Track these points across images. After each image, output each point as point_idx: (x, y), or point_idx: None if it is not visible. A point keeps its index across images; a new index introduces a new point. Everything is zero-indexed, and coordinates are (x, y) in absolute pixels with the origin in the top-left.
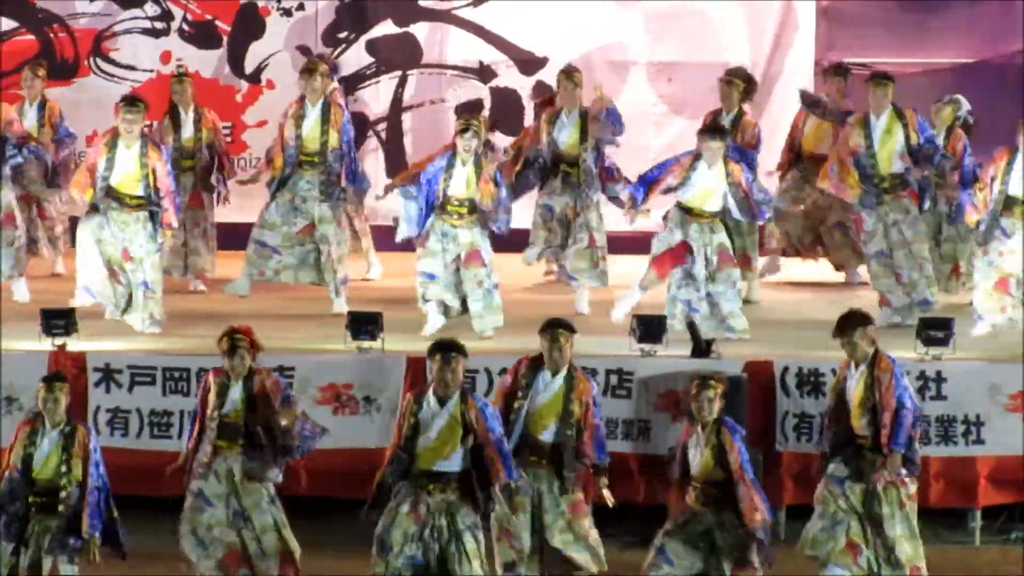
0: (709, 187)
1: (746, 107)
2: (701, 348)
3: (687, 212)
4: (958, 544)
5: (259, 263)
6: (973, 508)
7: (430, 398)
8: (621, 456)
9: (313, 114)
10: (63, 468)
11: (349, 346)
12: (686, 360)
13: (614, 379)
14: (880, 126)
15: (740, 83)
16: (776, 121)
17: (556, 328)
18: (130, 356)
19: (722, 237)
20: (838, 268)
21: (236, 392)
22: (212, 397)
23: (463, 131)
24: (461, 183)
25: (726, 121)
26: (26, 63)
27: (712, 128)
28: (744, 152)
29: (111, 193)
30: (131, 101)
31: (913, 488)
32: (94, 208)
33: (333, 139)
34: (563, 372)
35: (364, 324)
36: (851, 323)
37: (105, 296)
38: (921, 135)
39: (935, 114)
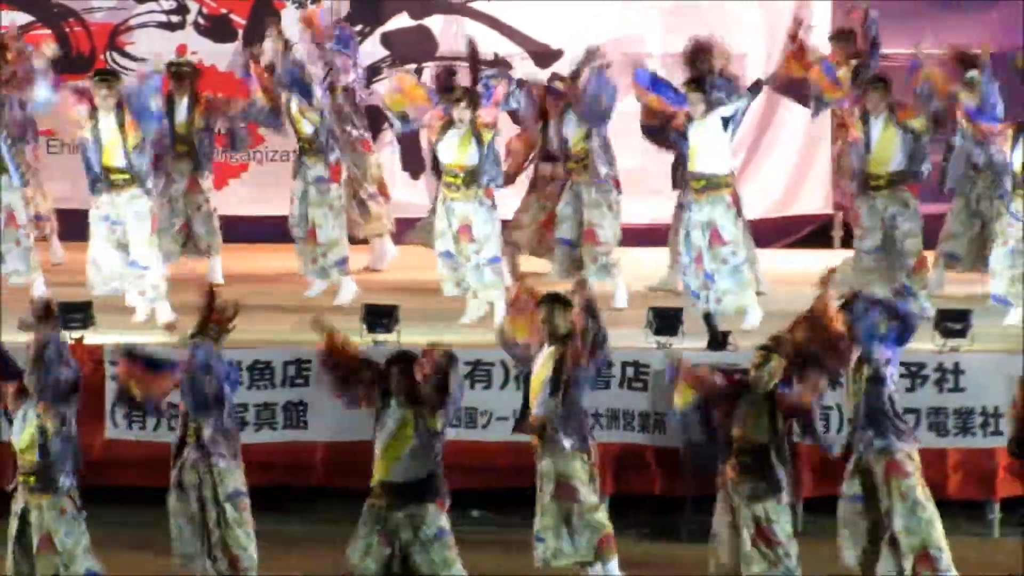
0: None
1: None
2: (717, 340)
3: None
4: (977, 536)
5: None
6: (992, 500)
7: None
8: (637, 448)
9: None
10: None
11: (365, 339)
12: (702, 352)
13: (630, 371)
14: (876, 128)
15: None
16: (792, 115)
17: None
18: (147, 349)
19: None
20: None
21: None
22: None
23: (459, 100)
24: (453, 148)
25: None
26: None
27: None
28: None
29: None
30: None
31: (910, 480)
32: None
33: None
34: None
35: (380, 317)
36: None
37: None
38: (924, 109)
39: None
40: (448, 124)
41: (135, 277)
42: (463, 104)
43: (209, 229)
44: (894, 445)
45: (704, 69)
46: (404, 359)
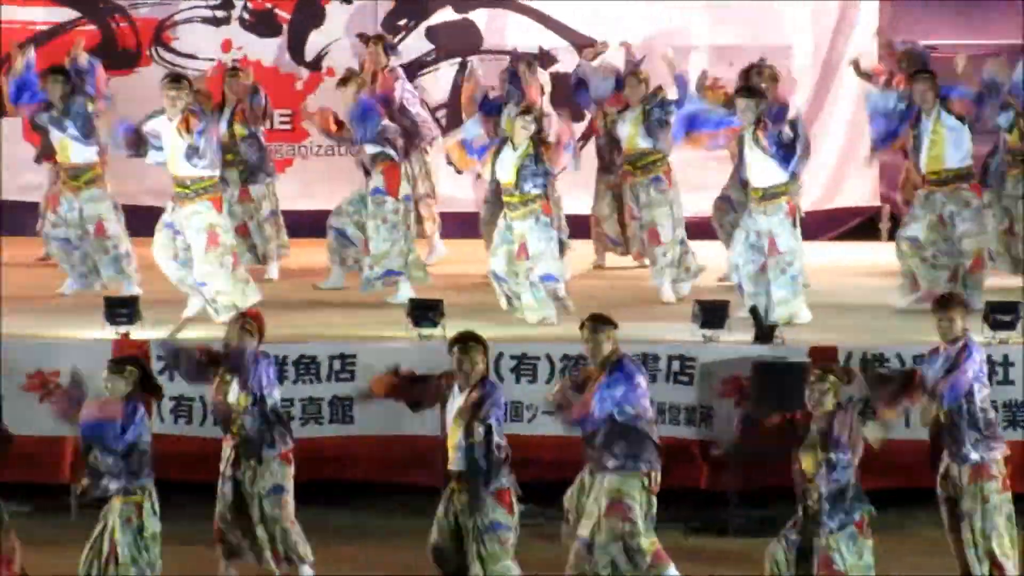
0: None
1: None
2: (764, 333)
3: None
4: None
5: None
6: None
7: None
8: (683, 442)
9: None
10: None
11: (411, 333)
12: (749, 346)
13: (676, 365)
14: (927, 126)
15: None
16: (838, 107)
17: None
18: (194, 344)
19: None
20: None
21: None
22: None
23: (523, 113)
24: (508, 168)
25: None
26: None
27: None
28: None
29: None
30: (175, 78)
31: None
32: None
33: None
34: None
35: (426, 311)
36: (954, 300)
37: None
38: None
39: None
40: (502, 146)
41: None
42: (528, 117)
43: (262, 237)
44: (977, 453)
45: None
46: (464, 341)
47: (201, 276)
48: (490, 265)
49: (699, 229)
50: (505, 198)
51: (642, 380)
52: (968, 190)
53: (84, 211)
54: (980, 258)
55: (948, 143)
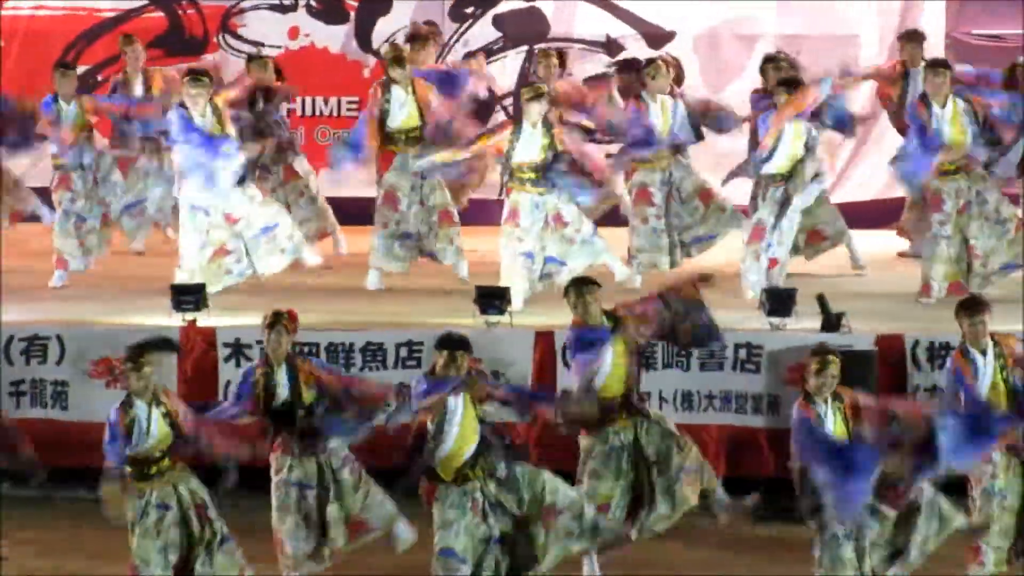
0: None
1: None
2: (831, 322)
3: None
4: None
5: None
6: None
7: None
8: (751, 430)
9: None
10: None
11: (477, 321)
12: (816, 334)
13: (743, 353)
14: (945, 115)
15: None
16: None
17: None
18: (259, 331)
19: None
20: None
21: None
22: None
23: (534, 97)
24: (533, 148)
25: None
26: (152, 42)
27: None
28: None
29: None
30: (196, 75)
31: None
32: None
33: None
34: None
35: (493, 298)
36: (981, 304)
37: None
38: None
39: None
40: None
41: (268, 240)
42: (543, 100)
43: (311, 212)
44: None
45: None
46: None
47: (269, 220)
48: (521, 247)
49: None
50: (527, 175)
51: None
52: (978, 166)
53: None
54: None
55: (967, 137)
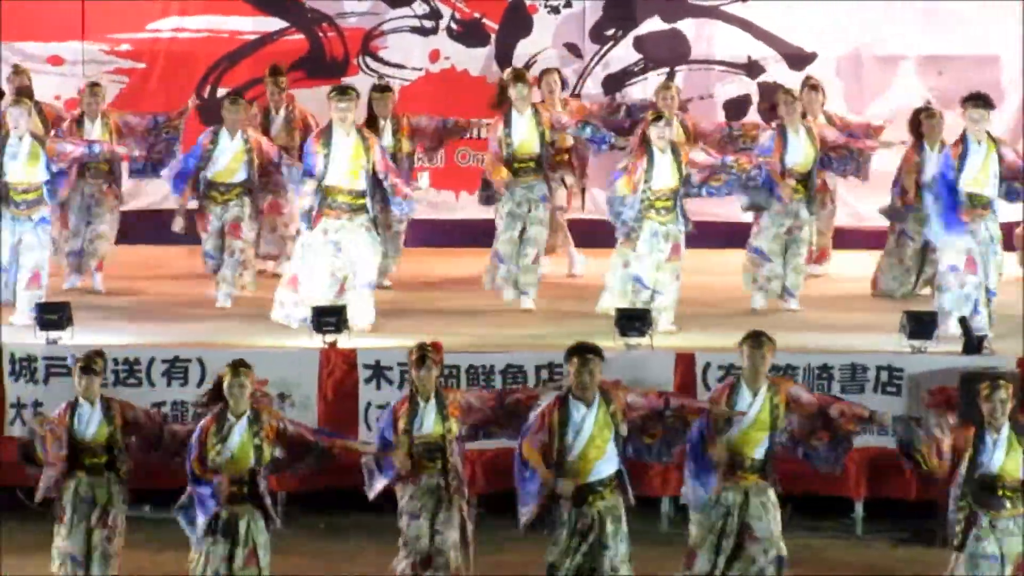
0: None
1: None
2: (973, 345)
3: None
4: None
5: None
6: None
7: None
8: (891, 452)
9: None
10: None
11: (617, 343)
12: (957, 357)
13: (884, 375)
14: (979, 153)
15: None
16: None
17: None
18: (400, 353)
19: None
20: None
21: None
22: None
23: (656, 120)
24: (667, 175)
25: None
26: (295, 64)
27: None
28: None
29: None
30: (343, 90)
31: None
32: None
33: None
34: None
35: (633, 321)
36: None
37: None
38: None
39: None
40: None
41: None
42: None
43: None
44: None
45: None
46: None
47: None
48: (630, 271)
49: None
50: (659, 204)
51: None
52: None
53: None
54: None
55: (990, 176)
